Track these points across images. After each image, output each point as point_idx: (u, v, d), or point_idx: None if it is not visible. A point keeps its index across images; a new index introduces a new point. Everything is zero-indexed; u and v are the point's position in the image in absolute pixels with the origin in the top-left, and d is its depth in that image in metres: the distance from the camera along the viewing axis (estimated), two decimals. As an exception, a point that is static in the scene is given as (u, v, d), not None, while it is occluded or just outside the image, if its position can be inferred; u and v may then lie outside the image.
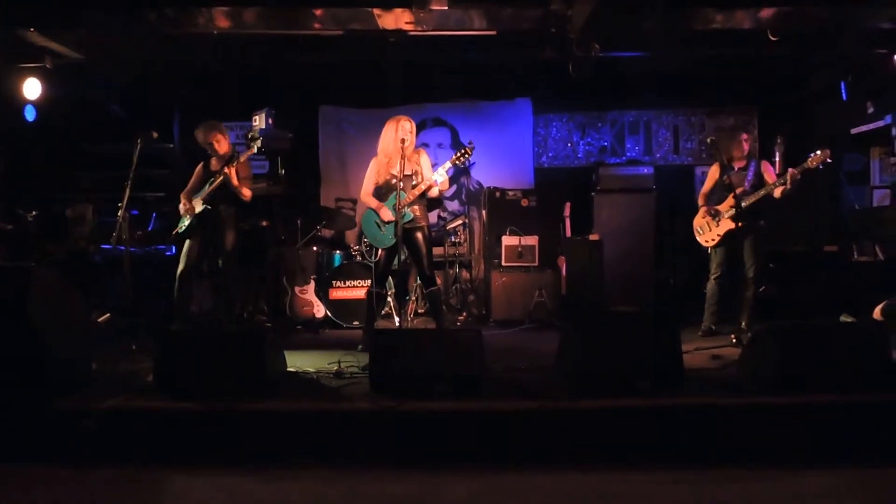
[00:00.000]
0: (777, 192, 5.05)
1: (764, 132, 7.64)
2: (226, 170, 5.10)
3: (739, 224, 5.05)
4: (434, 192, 4.94)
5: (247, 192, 5.23)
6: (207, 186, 5.18)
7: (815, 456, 3.17)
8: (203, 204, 5.18)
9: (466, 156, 4.90)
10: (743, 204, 4.98)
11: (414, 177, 4.84)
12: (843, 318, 5.13)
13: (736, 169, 5.31)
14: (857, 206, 7.00)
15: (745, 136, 5.37)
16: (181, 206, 5.26)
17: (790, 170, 4.98)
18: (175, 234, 5.29)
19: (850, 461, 3.12)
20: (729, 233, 5.22)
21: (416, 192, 4.80)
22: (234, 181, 5.10)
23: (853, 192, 7.10)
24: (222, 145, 5.30)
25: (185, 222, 5.24)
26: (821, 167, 4.92)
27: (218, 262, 5.40)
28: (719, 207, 5.30)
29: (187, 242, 5.25)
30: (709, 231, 5.35)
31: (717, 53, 6.37)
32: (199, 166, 5.37)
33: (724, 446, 3.23)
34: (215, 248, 5.31)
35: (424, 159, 4.93)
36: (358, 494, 2.90)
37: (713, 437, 3.25)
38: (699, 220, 5.45)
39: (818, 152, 4.91)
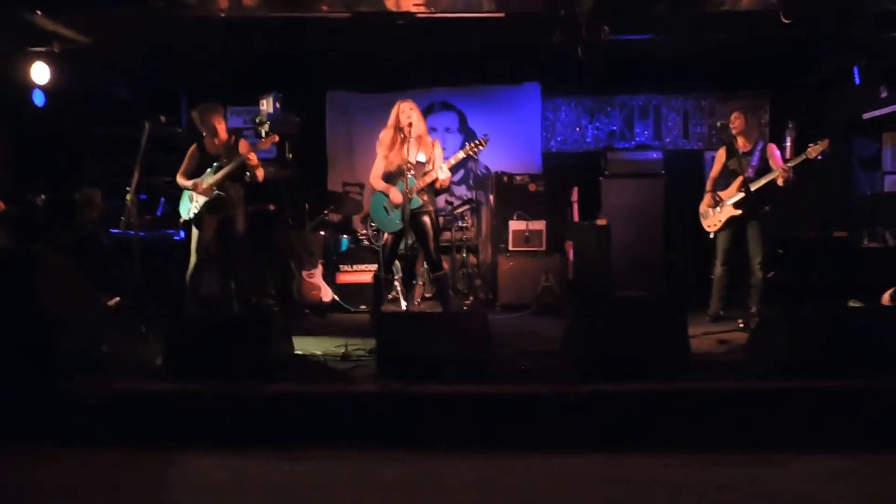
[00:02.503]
0: (779, 181, 4.97)
1: (776, 117, 7.55)
2: (249, 154, 5.00)
3: (741, 211, 5.03)
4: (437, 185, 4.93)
5: (261, 174, 5.14)
6: (214, 171, 5.05)
7: (821, 440, 3.16)
8: (216, 190, 5.05)
9: (480, 147, 4.90)
10: (752, 188, 4.94)
11: (427, 164, 4.84)
12: (851, 304, 5.11)
13: (741, 153, 5.27)
14: (868, 191, 6.93)
15: (735, 114, 5.31)
16: (192, 189, 5.05)
17: (784, 164, 4.94)
18: (183, 220, 5.15)
19: (857, 446, 3.11)
20: (731, 219, 5.20)
21: (427, 179, 4.80)
22: (255, 162, 5.03)
23: (865, 178, 7.03)
24: (223, 127, 5.19)
25: (192, 208, 5.10)
26: (820, 157, 4.86)
27: (228, 246, 5.32)
28: (722, 194, 5.26)
29: (196, 232, 5.10)
30: (712, 216, 5.33)
31: (728, 37, 6.28)
32: (194, 148, 5.17)
33: (730, 430, 3.23)
34: (225, 232, 5.21)
35: (439, 151, 4.94)
36: (363, 475, 2.93)
37: (719, 421, 3.25)
38: (704, 207, 5.44)
39: (818, 143, 4.86)
